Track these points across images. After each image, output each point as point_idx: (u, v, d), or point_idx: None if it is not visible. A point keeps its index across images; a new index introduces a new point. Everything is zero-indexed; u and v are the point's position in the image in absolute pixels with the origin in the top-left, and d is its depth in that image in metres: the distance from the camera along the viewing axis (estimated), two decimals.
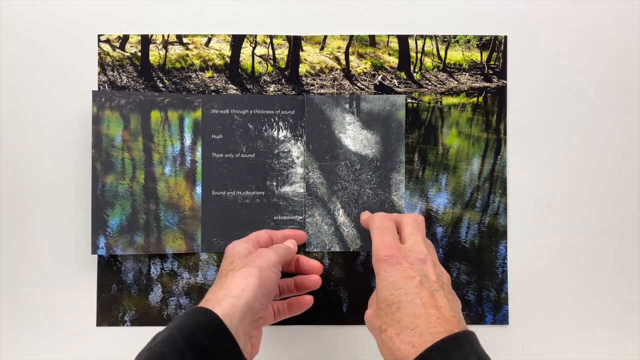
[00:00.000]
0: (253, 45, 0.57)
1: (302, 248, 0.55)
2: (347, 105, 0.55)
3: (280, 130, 0.56)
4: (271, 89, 0.56)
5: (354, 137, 0.55)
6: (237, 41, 0.56)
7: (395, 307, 0.39)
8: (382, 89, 0.57)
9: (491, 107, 0.57)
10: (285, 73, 0.57)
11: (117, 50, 0.56)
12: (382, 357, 0.40)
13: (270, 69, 0.57)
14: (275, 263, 0.45)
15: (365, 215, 0.52)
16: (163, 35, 0.56)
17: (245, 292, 0.41)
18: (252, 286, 0.41)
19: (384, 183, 0.55)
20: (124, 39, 0.56)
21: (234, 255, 0.46)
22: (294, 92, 0.56)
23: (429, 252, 0.43)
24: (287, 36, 0.57)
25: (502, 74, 0.57)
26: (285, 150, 0.56)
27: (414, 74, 0.57)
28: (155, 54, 0.56)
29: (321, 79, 0.57)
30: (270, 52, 0.57)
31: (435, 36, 0.57)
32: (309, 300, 0.51)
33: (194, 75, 0.56)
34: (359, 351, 0.55)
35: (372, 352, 0.55)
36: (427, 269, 0.42)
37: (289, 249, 0.50)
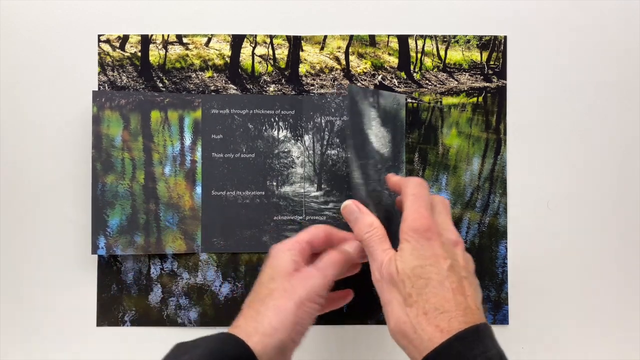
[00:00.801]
0: (253, 45, 0.57)
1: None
2: (371, 99, 0.52)
3: (280, 130, 0.56)
4: (271, 89, 0.56)
5: (377, 133, 0.52)
6: (237, 41, 0.56)
7: (423, 282, 0.37)
8: (382, 89, 0.57)
9: (491, 107, 0.57)
10: (285, 73, 0.57)
11: (117, 50, 0.56)
12: (391, 326, 0.38)
13: (270, 69, 0.57)
14: (320, 290, 0.41)
15: (395, 177, 0.46)
16: (163, 35, 0.56)
17: (279, 332, 0.38)
18: (286, 324, 0.39)
19: None
20: (124, 39, 0.56)
21: (277, 270, 0.42)
22: (294, 92, 0.56)
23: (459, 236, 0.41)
24: (287, 36, 0.57)
25: (502, 74, 0.57)
26: (285, 150, 0.56)
27: (414, 74, 0.57)
28: (155, 54, 0.56)
29: (321, 79, 0.57)
30: (270, 52, 0.57)
31: (435, 36, 0.57)
32: (349, 293, 0.50)
33: (194, 75, 0.56)
34: (359, 351, 0.55)
35: (372, 352, 0.55)
36: (458, 252, 0.40)
37: (345, 260, 0.44)
